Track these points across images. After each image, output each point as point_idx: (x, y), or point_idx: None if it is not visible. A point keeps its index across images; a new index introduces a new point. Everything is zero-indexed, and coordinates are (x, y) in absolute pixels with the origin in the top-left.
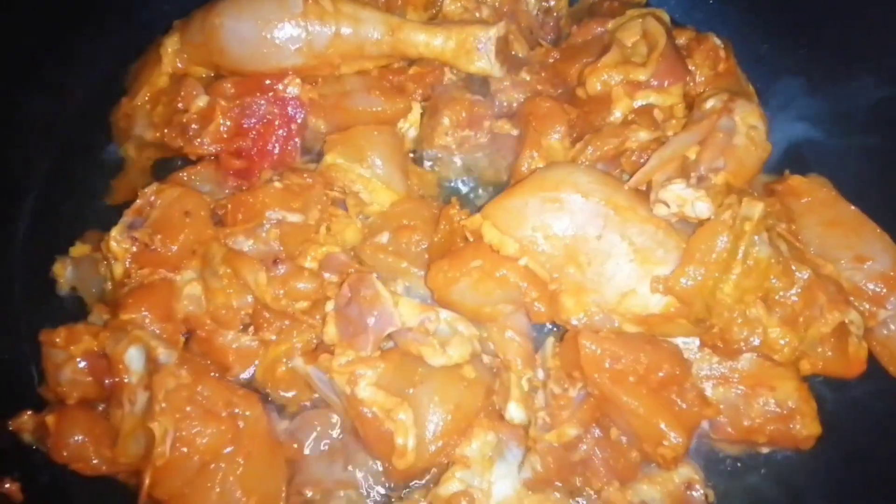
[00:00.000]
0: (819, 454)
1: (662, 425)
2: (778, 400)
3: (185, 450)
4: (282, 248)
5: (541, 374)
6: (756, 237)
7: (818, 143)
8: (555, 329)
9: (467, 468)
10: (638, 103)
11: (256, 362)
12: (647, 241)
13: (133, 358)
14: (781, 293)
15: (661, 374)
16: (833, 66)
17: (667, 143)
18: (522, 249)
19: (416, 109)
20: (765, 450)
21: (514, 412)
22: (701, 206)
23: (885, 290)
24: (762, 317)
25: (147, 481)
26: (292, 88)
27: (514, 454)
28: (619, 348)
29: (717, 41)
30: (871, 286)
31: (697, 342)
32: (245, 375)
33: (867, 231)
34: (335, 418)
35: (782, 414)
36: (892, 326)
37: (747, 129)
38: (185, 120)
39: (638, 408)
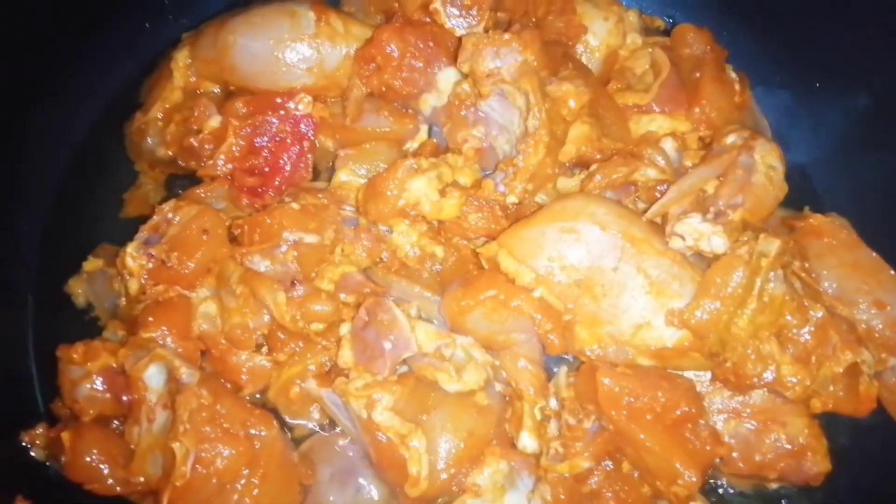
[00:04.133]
0: (828, 491)
1: (677, 464)
2: (789, 436)
3: (203, 470)
4: (299, 269)
5: (553, 404)
6: (772, 273)
7: (824, 173)
8: (569, 359)
9: (478, 496)
10: (646, 128)
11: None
12: (663, 274)
13: (153, 376)
14: (795, 331)
15: (677, 412)
16: (841, 96)
17: (685, 176)
18: (538, 279)
19: (424, 130)
20: (774, 485)
21: (527, 441)
22: (717, 241)
23: None
24: (775, 353)
25: (165, 501)
26: (303, 106)
27: (525, 483)
28: (637, 385)
29: (733, 74)
30: (887, 332)
31: (709, 375)
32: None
33: (886, 278)
34: (347, 442)
35: (793, 450)
36: None
37: (766, 168)
38: (197, 141)
39: (654, 445)
